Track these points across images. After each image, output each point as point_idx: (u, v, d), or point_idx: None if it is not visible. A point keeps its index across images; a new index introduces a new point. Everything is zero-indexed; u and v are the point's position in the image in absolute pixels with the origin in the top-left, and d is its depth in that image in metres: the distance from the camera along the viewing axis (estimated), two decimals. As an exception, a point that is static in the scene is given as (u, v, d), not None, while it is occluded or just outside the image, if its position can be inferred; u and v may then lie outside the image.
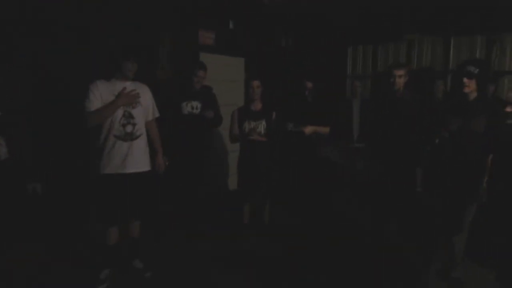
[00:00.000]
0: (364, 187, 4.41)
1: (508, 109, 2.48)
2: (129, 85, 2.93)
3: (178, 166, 3.79)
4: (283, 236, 3.94)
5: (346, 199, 4.50)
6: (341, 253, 3.62)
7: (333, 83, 5.61)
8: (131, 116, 2.94)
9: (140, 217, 3.16)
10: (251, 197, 3.94)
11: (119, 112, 2.88)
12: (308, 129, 3.89)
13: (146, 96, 3.07)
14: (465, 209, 2.99)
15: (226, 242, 3.81)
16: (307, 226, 4.17)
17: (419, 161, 4.43)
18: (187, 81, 3.91)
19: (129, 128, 2.93)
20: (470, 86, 3.13)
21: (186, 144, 3.88)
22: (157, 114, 3.21)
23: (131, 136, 2.93)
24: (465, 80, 3.09)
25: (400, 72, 3.72)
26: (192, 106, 3.89)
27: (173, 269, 3.30)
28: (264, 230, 3.97)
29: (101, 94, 2.82)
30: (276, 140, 3.84)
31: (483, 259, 3.21)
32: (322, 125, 3.96)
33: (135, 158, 2.95)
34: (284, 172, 4.25)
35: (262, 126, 3.75)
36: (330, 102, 4.62)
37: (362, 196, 4.46)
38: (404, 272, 3.31)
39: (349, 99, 5.34)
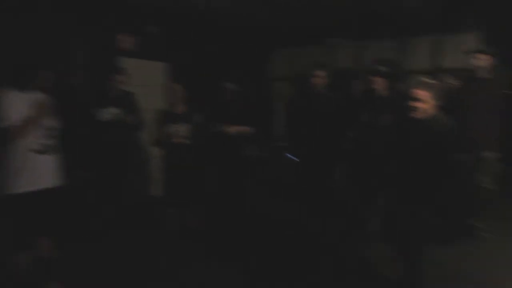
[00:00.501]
0: (287, 185, 4.55)
1: (415, 104, 2.67)
2: (43, 96, 2.72)
3: (100, 176, 3.62)
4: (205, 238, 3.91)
5: (269, 197, 4.61)
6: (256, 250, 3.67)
7: (256, 85, 5.71)
8: (47, 128, 2.73)
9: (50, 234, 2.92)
10: (177, 201, 3.86)
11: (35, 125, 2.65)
12: (231, 129, 3.93)
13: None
14: (377, 195, 3.22)
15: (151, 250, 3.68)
16: (227, 226, 4.17)
17: (339, 156, 4.64)
18: (106, 87, 3.78)
19: (44, 140, 2.71)
20: (379, 83, 3.39)
21: (107, 152, 3.72)
22: None
23: (45, 149, 2.72)
24: (374, 77, 3.36)
25: (321, 73, 3.92)
26: (111, 112, 3.74)
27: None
28: (190, 234, 3.90)
29: (16, 105, 2.57)
30: (199, 142, 3.82)
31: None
32: (245, 125, 4.02)
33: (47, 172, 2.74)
34: (209, 174, 4.23)
35: (185, 128, 3.70)
36: (253, 104, 4.69)
37: (286, 194, 4.59)
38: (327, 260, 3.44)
39: (272, 100, 5.47)
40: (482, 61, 3.66)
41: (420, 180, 2.65)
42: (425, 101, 2.63)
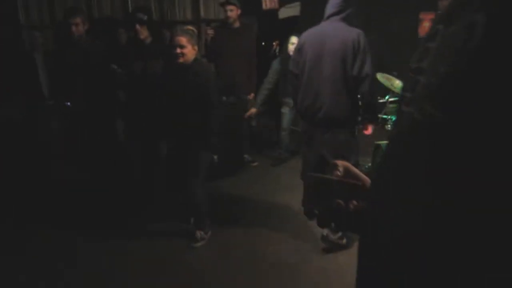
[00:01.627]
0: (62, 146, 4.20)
1: (179, 51, 2.85)
2: None
3: None
4: None
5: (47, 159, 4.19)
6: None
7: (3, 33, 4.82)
8: None
9: None
10: None
11: None
12: None
13: None
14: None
15: None
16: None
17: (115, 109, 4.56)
18: None
19: None
20: (143, 32, 3.43)
21: None
22: None
23: None
24: (137, 26, 3.36)
25: (77, 20, 3.59)
26: None
27: None
28: None
29: None
30: None
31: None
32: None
33: None
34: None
35: None
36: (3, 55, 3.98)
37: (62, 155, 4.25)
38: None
39: (29, 52, 4.77)
40: (231, 12, 4.14)
41: (190, 121, 2.93)
42: (187, 48, 2.86)
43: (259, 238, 3.14)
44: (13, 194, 3.69)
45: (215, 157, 3.22)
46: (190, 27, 3.11)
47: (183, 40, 2.84)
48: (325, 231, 2.83)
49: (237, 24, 4.23)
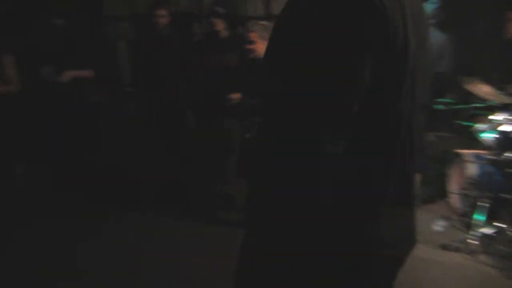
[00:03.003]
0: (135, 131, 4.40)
1: (252, 46, 2.88)
2: None
3: None
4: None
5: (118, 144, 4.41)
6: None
7: (90, 23, 5.15)
8: None
9: None
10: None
11: None
12: (66, 75, 3.52)
13: None
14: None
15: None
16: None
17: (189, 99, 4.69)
18: None
19: None
20: (219, 25, 3.49)
21: None
22: None
23: None
24: (213, 20, 3.43)
25: (162, 12, 3.75)
26: None
27: None
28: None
29: None
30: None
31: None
32: (83, 68, 3.66)
33: None
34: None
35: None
36: (89, 43, 4.25)
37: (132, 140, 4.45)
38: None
39: (112, 41, 5.07)
40: None
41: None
42: (257, 44, 2.86)
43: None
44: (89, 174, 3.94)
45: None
46: (263, 23, 3.11)
47: (253, 35, 2.86)
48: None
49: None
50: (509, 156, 2.75)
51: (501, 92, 3.07)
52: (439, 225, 2.90)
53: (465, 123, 3.37)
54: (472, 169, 3.04)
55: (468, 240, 2.69)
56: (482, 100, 3.23)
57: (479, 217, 2.75)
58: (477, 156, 3.05)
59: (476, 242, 2.67)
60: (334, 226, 0.85)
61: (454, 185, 3.22)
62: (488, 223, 2.75)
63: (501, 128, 2.81)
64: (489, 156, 2.90)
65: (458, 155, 3.20)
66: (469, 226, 2.83)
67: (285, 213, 0.85)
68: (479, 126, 3.05)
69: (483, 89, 3.14)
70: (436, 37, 2.39)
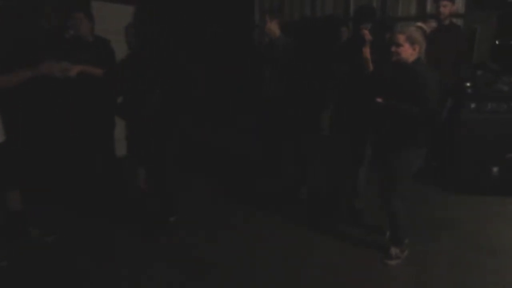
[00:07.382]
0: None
1: (396, 49, 2.60)
2: None
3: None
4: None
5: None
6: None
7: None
8: None
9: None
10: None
11: None
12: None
13: None
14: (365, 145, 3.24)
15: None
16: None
17: (326, 106, 4.61)
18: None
19: None
20: (366, 35, 3.26)
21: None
22: None
23: None
24: (363, 28, 3.20)
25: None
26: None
27: (78, 232, 3.18)
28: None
29: None
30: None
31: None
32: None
33: None
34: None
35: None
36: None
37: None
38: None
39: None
40: (446, 8, 3.89)
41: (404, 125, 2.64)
42: (403, 47, 2.57)
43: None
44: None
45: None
46: (420, 24, 2.77)
47: (400, 38, 2.56)
48: None
49: (447, 22, 3.99)
50: None
51: None
52: None
53: None
54: None
55: None
56: None
57: None
58: None
59: None
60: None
61: None
62: None
63: None
64: None
65: None
66: None
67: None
68: None
69: None
70: None
